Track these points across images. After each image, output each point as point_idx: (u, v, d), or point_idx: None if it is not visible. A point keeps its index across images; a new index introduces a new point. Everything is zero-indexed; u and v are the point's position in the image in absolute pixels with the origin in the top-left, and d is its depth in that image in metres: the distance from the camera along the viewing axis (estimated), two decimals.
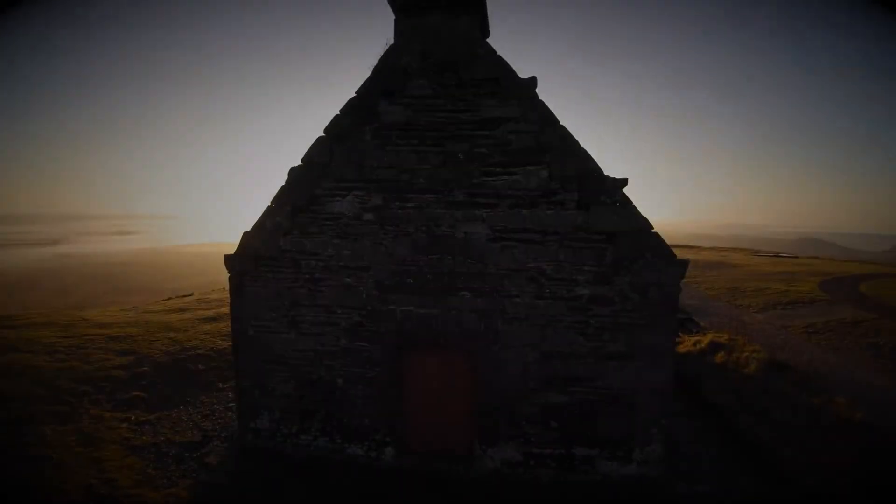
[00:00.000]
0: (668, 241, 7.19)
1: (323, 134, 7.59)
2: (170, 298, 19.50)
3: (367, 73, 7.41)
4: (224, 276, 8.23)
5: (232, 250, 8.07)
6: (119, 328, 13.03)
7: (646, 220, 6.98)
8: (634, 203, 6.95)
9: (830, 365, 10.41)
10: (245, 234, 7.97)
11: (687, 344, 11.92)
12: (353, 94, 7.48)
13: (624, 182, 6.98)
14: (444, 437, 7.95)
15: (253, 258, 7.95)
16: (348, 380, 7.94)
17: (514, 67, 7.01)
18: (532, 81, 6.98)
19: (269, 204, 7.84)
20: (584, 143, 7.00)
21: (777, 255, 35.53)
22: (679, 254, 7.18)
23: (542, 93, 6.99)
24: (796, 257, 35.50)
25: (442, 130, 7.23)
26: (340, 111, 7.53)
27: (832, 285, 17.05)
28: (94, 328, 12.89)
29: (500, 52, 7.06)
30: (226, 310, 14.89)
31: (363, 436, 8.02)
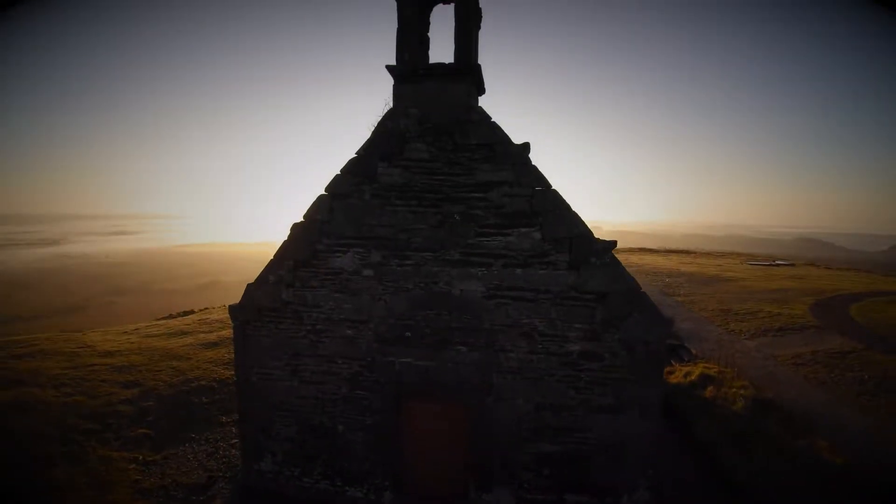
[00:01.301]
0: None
1: (324, 192, 7.87)
2: (171, 317, 19.81)
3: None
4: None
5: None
6: (123, 356, 13.32)
7: (633, 281, 7.27)
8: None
9: (816, 402, 10.71)
10: (249, 285, 8.26)
11: (678, 375, 12.24)
12: (354, 154, 7.76)
13: (613, 244, 7.27)
14: (440, 482, 8.26)
15: (256, 309, 8.24)
16: (349, 426, 8.26)
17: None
18: (525, 148, 7.25)
19: (271, 258, 8.13)
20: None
21: (773, 263, 35.75)
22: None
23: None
24: (793, 265, 35.75)
25: (439, 192, 7.51)
26: (341, 171, 7.81)
27: (823, 308, 17.36)
28: (99, 357, 13.18)
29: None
30: (227, 333, 15.20)
31: (363, 479, 8.34)
